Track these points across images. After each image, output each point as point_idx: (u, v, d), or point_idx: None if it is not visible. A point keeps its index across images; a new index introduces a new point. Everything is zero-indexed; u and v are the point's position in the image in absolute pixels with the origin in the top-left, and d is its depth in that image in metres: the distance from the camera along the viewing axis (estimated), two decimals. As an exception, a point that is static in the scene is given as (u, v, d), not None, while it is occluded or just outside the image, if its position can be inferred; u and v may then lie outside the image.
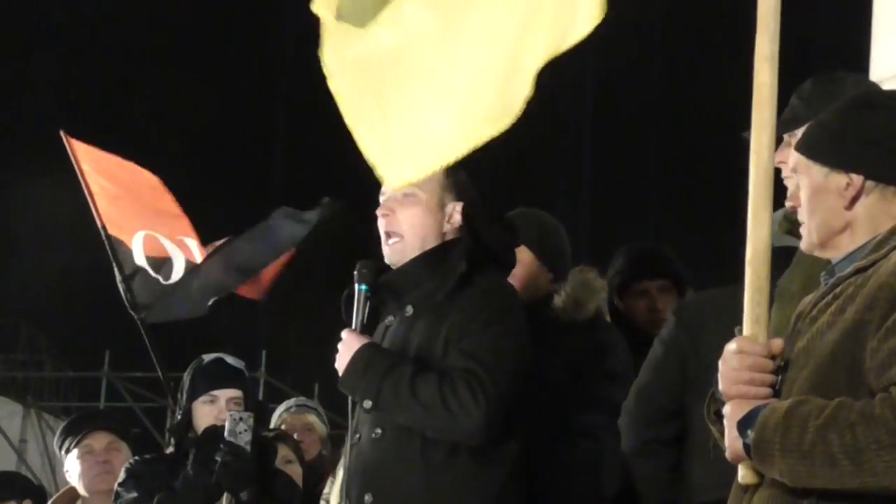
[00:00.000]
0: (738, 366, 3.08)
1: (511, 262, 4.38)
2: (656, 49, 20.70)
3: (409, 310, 4.21)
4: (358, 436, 4.19)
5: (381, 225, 4.28)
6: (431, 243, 4.24)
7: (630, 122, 20.44)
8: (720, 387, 3.13)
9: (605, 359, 4.66)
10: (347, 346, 4.17)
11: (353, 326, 4.22)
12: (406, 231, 4.24)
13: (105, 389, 18.16)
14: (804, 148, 3.26)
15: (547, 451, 4.48)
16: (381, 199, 4.31)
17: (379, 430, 4.13)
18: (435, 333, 4.14)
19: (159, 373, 6.78)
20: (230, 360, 5.37)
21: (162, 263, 6.73)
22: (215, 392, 5.22)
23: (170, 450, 5.37)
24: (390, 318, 4.27)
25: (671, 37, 20.13)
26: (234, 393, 5.24)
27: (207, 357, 5.37)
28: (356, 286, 4.24)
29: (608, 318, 5.06)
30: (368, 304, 4.24)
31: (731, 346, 3.13)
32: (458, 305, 4.13)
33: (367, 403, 4.10)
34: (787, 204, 3.32)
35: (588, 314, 4.71)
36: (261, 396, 16.23)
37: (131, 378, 17.75)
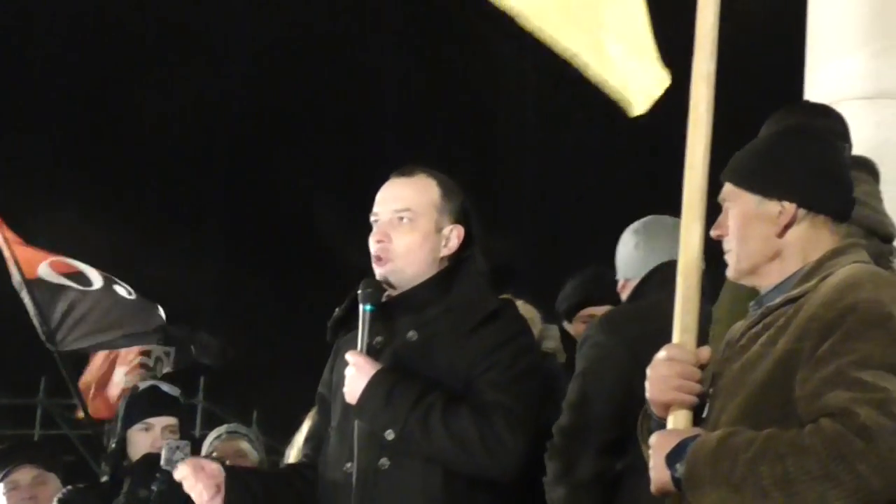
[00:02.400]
0: (667, 372, 3.11)
1: (512, 289, 4.34)
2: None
3: (413, 335, 4.04)
4: (350, 464, 3.98)
5: (374, 249, 4.12)
6: (428, 268, 4.10)
7: (574, 141, 20.53)
8: (649, 394, 3.14)
9: (549, 388, 4.65)
10: (361, 370, 3.95)
11: (360, 349, 4.01)
12: (400, 257, 4.09)
13: (40, 416, 17.95)
14: (735, 176, 3.28)
15: None
16: (373, 219, 4.16)
17: (386, 461, 3.94)
18: (454, 363, 3.97)
19: (77, 401, 6.73)
20: (165, 387, 5.33)
21: (79, 276, 6.69)
22: (150, 420, 5.18)
23: (105, 478, 5.31)
24: (379, 338, 4.07)
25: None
26: (170, 421, 5.20)
27: (143, 384, 5.34)
28: (360, 306, 4.03)
29: (549, 344, 5.08)
30: (374, 325, 4.03)
31: (660, 354, 3.16)
32: (482, 335, 3.99)
33: (390, 434, 3.89)
34: (713, 232, 3.34)
35: None
36: (199, 423, 16.11)
37: (67, 405, 17.57)
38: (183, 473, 4.07)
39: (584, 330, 4.57)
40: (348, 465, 3.97)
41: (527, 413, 3.92)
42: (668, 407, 3.11)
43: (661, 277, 3.83)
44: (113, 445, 5.27)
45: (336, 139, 18.72)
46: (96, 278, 6.69)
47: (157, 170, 19.67)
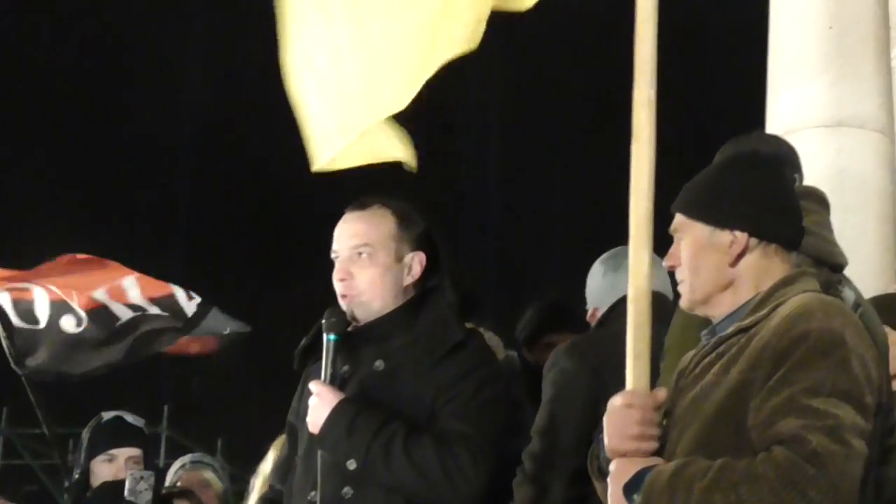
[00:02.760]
0: (627, 421, 3.11)
1: (482, 316, 4.33)
2: (558, 90, 20.92)
3: (380, 364, 4.04)
4: (314, 493, 3.96)
5: (338, 287, 4.12)
6: (393, 298, 4.10)
7: (534, 173, 20.59)
8: (608, 443, 3.14)
9: (514, 416, 4.65)
10: (324, 400, 3.96)
11: (323, 378, 4.00)
12: (365, 292, 4.09)
13: (2, 446, 17.84)
14: (685, 207, 3.30)
15: None
16: (333, 256, 4.16)
17: (349, 490, 3.93)
18: (421, 392, 3.97)
19: (44, 429, 6.69)
20: (130, 418, 5.30)
21: (30, 311, 6.64)
22: (114, 451, 5.15)
23: (68, 509, 5.29)
24: (346, 367, 4.07)
25: (565, 93, 20.36)
26: (134, 452, 5.17)
27: (107, 415, 5.30)
28: (325, 336, 4.03)
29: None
30: (338, 355, 4.03)
31: (617, 401, 3.16)
32: (448, 365, 3.99)
33: (352, 464, 3.90)
34: (666, 263, 3.35)
35: None
36: (162, 452, 16.03)
37: (30, 435, 17.47)
38: None
39: (550, 357, 4.59)
40: (312, 493, 3.97)
41: (489, 443, 3.91)
42: (626, 453, 3.11)
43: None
44: (76, 476, 5.23)
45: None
46: (43, 314, 6.62)
47: (125, 190, 19.61)
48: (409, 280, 4.13)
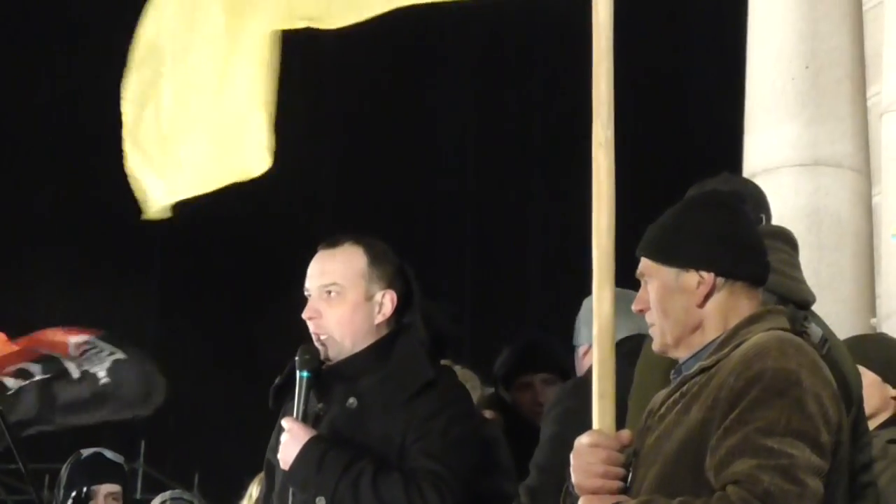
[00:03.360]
0: (592, 460, 3.15)
1: (450, 353, 4.33)
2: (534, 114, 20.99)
3: (353, 402, 4.05)
4: None
5: (309, 326, 4.14)
6: (364, 337, 4.11)
7: (514, 204, 20.65)
8: (574, 480, 3.17)
9: (491, 453, 4.66)
10: (295, 437, 3.97)
11: (295, 415, 4.01)
12: (335, 330, 4.10)
13: (-23, 481, 17.73)
14: (650, 251, 3.31)
15: None
16: (306, 293, 4.17)
17: None
18: (390, 431, 3.99)
19: (20, 465, 6.65)
20: (109, 454, 5.30)
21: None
22: (94, 487, 5.14)
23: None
24: (321, 406, 4.09)
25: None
26: (113, 488, 5.17)
27: (86, 452, 5.29)
28: (298, 372, 4.04)
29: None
30: (311, 392, 4.05)
31: (583, 440, 3.20)
32: (418, 403, 4.01)
33: (321, 501, 3.91)
34: (634, 308, 3.36)
35: None
36: (139, 487, 15.95)
37: (5, 470, 17.38)
38: None
39: (555, 394, 4.58)
40: None
41: (458, 481, 3.92)
42: (593, 492, 3.14)
43: (628, 348, 3.83)
44: (55, 513, 5.22)
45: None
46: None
47: (97, 229, 19.58)
48: (380, 318, 4.14)
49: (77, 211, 19.23)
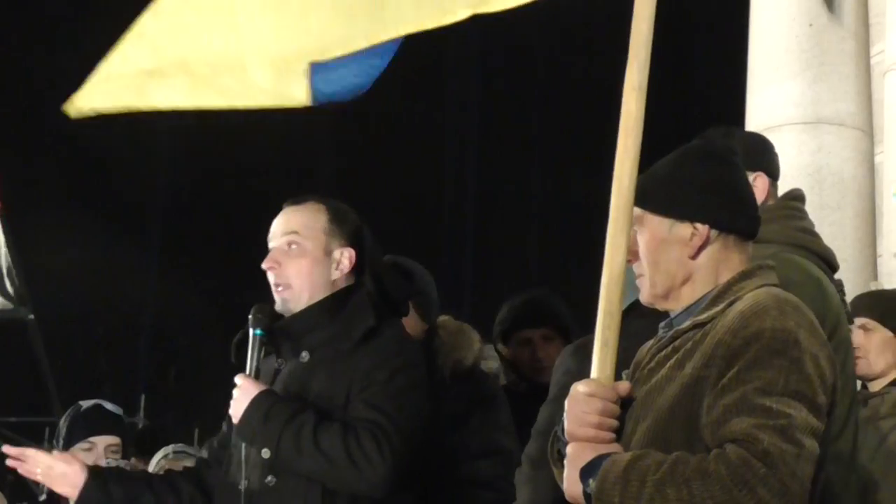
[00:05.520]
0: (587, 409, 3.13)
1: (405, 311, 4.36)
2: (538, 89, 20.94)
3: (305, 356, 4.14)
4: (247, 482, 4.07)
5: (270, 277, 4.23)
6: (321, 290, 4.19)
7: (513, 166, 20.61)
8: (567, 428, 3.15)
9: (490, 409, 4.67)
10: (244, 391, 4.06)
11: (248, 371, 4.10)
12: (293, 281, 4.18)
13: (-24, 434, 17.80)
14: (644, 201, 3.27)
15: (448, 503, 4.46)
16: (270, 247, 4.25)
17: (272, 478, 4.03)
18: (337, 382, 4.07)
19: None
20: (109, 406, 5.31)
21: None
22: (93, 439, 5.15)
23: (42, 497, 5.28)
24: (280, 361, 4.20)
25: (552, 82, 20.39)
26: (113, 440, 5.17)
27: (85, 403, 5.29)
28: (251, 330, 4.14)
29: (492, 364, 5.08)
30: (263, 348, 4.15)
31: (580, 388, 3.17)
32: (362, 355, 4.07)
33: (266, 452, 4.00)
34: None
35: (466, 365, 4.72)
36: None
37: (5, 423, 17.44)
38: (42, 466, 4.25)
39: (559, 356, 4.58)
40: (244, 482, 4.07)
41: (399, 431, 3.96)
42: (583, 440, 3.12)
43: (645, 308, 3.81)
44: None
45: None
46: None
47: (101, 185, 19.58)
48: (336, 274, 4.21)
49: (79, 169, 19.23)
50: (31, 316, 7.02)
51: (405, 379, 4.05)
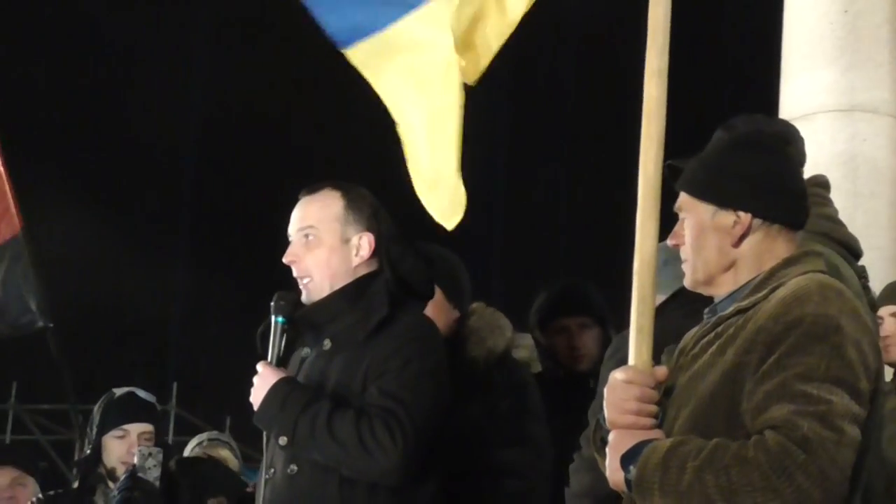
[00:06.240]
0: (625, 396, 3.12)
1: (429, 295, 4.35)
2: (565, 79, 20.90)
3: (327, 344, 4.16)
4: (273, 470, 4.11)
5: (293, 271, 4.25)
6: (342, 278, 4.20)
7: (541, 164, 20.59)
8: (607, 415, 3.15)
9: (520, 397, 4.66)
10: (264, 379, 4.09)
11: (270, 359, 4.13)
12: (314, 272, 4.20)
13: (12, 421, 17.89)
14: (689, 186, 3.28)
15: (472, 491, 4.44)
16: (289, 238, 4.26)
17: (294, 467, 4.05)
18: (354, 370, 4.08)
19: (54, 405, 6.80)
20: (142, 394, 5.32)
21: None
22: (126, 426, 5.17)
23: (75, 484, 5.30)
24: (306, 350, 4.22)
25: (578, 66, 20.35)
26: (146, 427, 5.19)
27: (119, 391, 5.31)
28: (273, 318, 4.16)
29: (522, 353, 5.08)
30: (285, 336, 4.17)
31: (618, 375, 3.16)
32: (378, 342, 4.08)
33: (283, 440, 4.03)
34: (670, 242, 3.32)
35: (497, 352, 4.71)
36: (171, 429, 16.07)
37: (38, 410, 17.52)
38: None
39: (612, 343, 4.58)
40: (271, 471, 4.11)
41: (412, 417, 3.96)
42: (625, 428, 3.12)
43: (687, 297, 3.80)
44: (87, 451, 5.25)
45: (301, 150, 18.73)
46: None
47: (131, 179, 19.64)
48: (357, 261, 4.22)
49: (108, 159, 19.30)
50: (51, 324, 7.09)
51: (420, 365, 4.04)
